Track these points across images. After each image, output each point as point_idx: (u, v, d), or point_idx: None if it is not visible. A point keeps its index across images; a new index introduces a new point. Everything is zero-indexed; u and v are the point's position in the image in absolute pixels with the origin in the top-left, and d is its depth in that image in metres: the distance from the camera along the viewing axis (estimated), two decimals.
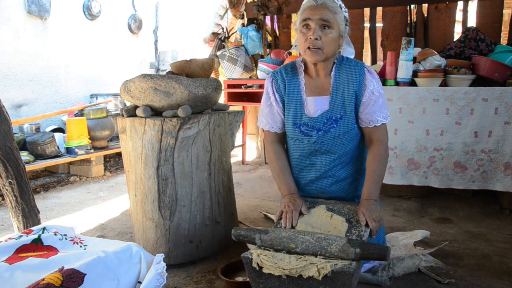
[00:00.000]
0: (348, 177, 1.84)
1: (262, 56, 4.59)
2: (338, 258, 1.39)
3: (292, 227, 1.65)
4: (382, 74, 2.98)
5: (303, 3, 1.72)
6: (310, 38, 1.65)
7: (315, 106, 1.77)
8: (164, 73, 2.40)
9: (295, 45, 1.84)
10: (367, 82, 1.73)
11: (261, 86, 4.15)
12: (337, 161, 1.79)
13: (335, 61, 1.78)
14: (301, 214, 1.72)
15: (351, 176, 1.84)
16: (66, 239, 1.57)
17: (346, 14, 1.74)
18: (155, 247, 2.14)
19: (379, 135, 1.75)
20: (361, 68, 1.74)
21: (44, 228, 1.59)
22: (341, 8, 1.70)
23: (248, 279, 1.63)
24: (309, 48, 1.67)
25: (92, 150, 4.17)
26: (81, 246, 1.56)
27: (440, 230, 2.61)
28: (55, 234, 1.58)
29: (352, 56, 1.88)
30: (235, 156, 5.05)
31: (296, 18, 1.77)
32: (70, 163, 4.25)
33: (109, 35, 5.58)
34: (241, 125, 3.41)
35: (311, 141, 1.77)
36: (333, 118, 1.74)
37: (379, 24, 4.07)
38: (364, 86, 1.73)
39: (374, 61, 4.22)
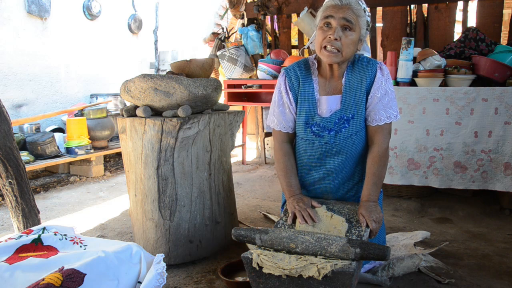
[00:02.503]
0: (356, 177, 1.82)
1: (262, 56, 4.59)
2: (338, 258, 1.39)
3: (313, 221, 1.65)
4: None
5: (326, 1, 1.66)
6: (330, 37, 1.60)
7: (327, 105, 1.73)
8: (164, 73, 2.40)
9: (310, 42, 1.76)
10: (376, 79, 1.69)
11: (261, 86, 4.15)
12: (347, 161, 1.76)
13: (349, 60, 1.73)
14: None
15: (358, 176, 1.83)
16: (66, 239, 1.57)
17: (369, 19, 1.69)
18: (155, 247, 2.14)
19: (380, 135, 1.71)
20: (373, 66, 1.70)
21: (44, 228, 1.59)
22: (365, 11, 1.65)
23: (248, 279, 1.63)
24: (325, 47, 1.62)
25: (92, 150, 4.17)
26: (81, 246, 1.56)
27: (440, 230, 2.61)
28: (55, 234, 1.57)
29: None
30: (235, 156, 5.05)
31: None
32: (70, 163, 4.24)
33: (109, 35, 5.58)
34: (241, 125, 3.41)
35: (322, 142, 1.73)
36: (345, 117, 1.70)
37: (379, 24, 4.07)
38: (373, 84, 1.69)
39: None
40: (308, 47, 1.80)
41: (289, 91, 1.78)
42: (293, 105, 1.79)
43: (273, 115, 1.84)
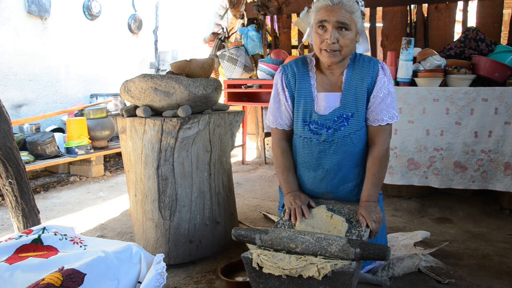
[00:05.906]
0: (355, 179, 1.80)
1: (262, 56, 4.59)
2: (338, 258, 1.39)
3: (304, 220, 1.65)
4: None
5: (318, 2, 1.62)
6: (327, 42, 1.59)
7: (326, 103, 1.72)
8: (164, 73, 2.40)
9: (308, 36, 1.73)
10: (379, 79, 1.68)
11: (261, 86, 4.15)
12: (345, 161, 1.75)
13: (350, 57, 1.71)
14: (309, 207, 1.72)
15: (359, 178, 1.80)
16: (66, 239, 1.57)
17: (363, 8, 1.65)
18: (155, 247, 2.14)
19: (381, 136, 1.71)
20: (375, 65, 1.69)
21: (44, 228, 1.59)
22: (357, 3, 1.61)
23: (248, 279, 1.63)
24: (326, 50, 1.61)
25: (92, 150, 4.17)
26: (81, 246, 1.56)
27: (440, 230, 2.61)
28: (55, 234, 1.57)
29: (367, 54, 1.80)
30: (235, 156, 5.05)
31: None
32: (70, 163, 4.24)
33: (109, 35, 5.58)
34: (241, 125, 3.41)
35: (320, 140, 1.72)
36: (344, 116, 1.69)
37: (379, 24, 4.07)
38: (375, 83, 1.68)
39: None
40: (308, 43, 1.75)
41: (285, 88, 1.77)
42: (289, 102, 1.78)
43: (269, 113, 1.85)
